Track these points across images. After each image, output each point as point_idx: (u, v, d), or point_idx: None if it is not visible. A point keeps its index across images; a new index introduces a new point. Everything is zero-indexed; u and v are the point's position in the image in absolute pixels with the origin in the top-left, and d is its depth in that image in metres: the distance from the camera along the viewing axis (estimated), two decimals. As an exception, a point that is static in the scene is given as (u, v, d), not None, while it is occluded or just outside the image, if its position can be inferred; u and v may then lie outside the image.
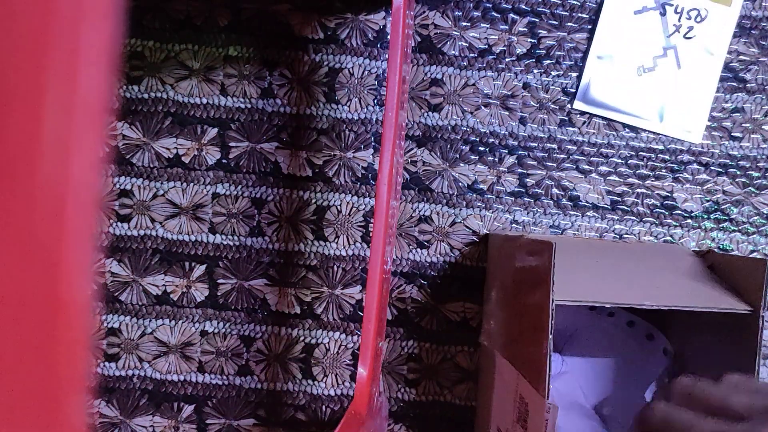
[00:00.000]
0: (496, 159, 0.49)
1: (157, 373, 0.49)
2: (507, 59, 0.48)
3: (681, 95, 0.48)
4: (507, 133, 0.49)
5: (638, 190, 0.49)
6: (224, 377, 0.49)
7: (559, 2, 0.48)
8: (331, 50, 0.48)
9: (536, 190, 0.49)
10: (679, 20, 0.47)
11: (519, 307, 0.38)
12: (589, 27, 0.48)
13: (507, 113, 0.49)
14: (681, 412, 0.26)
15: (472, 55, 0.48)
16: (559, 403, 0.36)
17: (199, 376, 0.49)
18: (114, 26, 0.12)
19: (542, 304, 0.33)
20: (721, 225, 0.48)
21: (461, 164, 0.49)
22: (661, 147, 0.48)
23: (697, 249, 0.47)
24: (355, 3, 0.48)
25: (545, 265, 0.34)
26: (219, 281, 0.49)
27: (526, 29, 0.48)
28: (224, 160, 0.49)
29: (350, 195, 0.49)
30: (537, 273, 0.35)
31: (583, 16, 0.48)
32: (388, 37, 0.48)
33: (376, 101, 0.49)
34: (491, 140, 0.49)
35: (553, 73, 0.48)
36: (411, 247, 0.49)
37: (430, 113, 0.48)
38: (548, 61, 0.48)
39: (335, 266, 0.49)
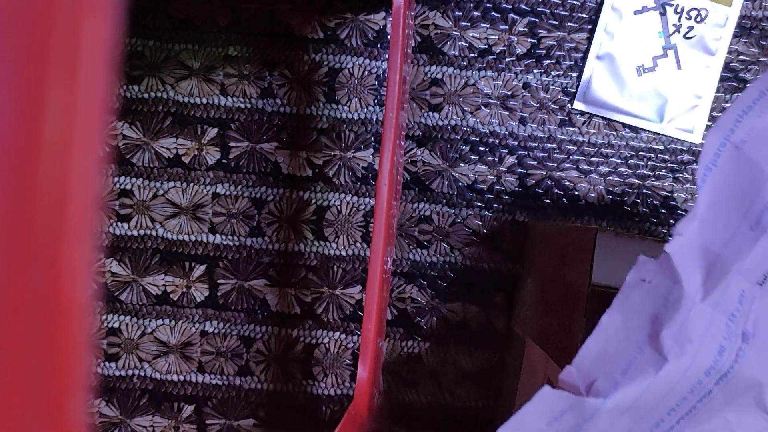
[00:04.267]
0: (496, 159, 0.49)
1: (157, 373, 0.49)
2: (507, 59, 0.48)
3: (681, 95, 0.48)
4: (507, 133, 0.49)
5: (638, 190, 0.49)
6: (224, 377, 0.49)
7: (559, 2, 0.48)
8: (331, 50, 0.48)
9: (536, 190, 0.49)
10: (679, 20, 0.47)
11: (557, 288, 0.40)
12: (589, 27, 0.48)
13: (507, 113, 0.49)
14: None
15: (472, 55, 0.48)
16: None
17: (199, 376, 0.49)
18: (114, 26, 0.12)
19: (582, 277, 0.35)
20: (721, 225, 0.48)
21: (461, 164, 0.49)
22: (661, 147, 0.48)
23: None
24: (355, 3, 0.48)
25: (588, 243, 0.35)
26: (219, 281, 0.49)
27: (526, 29, 0.48)
28: (224, 160, 0.49)
29: (350, 195, 0.49)
30: (580, 250, 0.37)
31: (583, 16, 0.48)
32: (388, 37, 0.48)
33: (376, 101, 0.49)
34: (491, 140, 0.49)
35: (553, 73, 0.48)
36: (411, 247, 0.49)
37: (430, 113, 0.49)
38: (548, 61, 0.48)
39: (335, 266, 0.49)
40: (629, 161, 0.48)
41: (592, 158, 0.48)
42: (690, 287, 0.27)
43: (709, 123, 0.48)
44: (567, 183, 0.48)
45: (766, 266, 0.28)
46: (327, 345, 0.49)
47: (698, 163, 0.29)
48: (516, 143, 0.48)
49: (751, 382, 0.29)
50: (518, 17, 0.48)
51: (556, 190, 0.49)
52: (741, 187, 0.28)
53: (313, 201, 0.49)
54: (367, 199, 0.49)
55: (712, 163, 0.28)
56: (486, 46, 0.48)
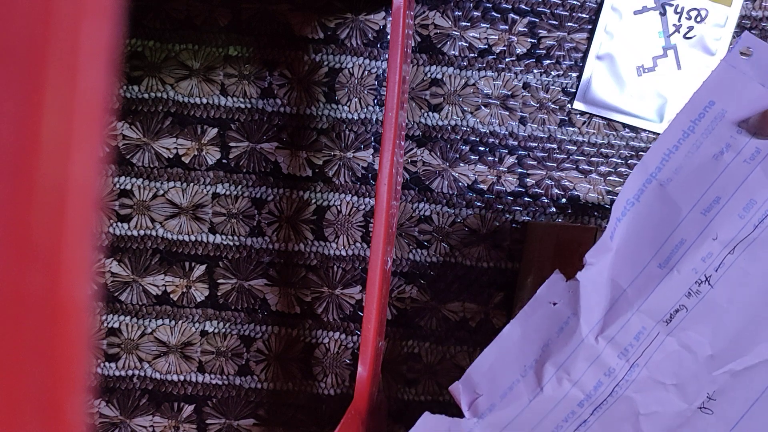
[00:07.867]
0: (496, 159, 0.49)
1: (157, 373, 0.49)
2: (507, 59, 0.48)
3: (681, 95, 0.48)
4: (507, 133, 0.49)
5: (638, 190, 0.49)
6: (224, 377, 0.49)
7: (559, 2, 0.48)
8: (331, 50, 0.49)
9: (536, 190, 0.49)
10: (679, 20, 0.47)
11: None
12: (589, 27, 0.48)
13: (507, 113, 0.49)
14: None
15: (472, 55, 0.48)
16: None
17: (199, 376, 0.49)
18: (114, 26, 0.12)
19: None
20: (721, 225, 0.48)
21: (461, 164, 0.49)
22: (661, 147, 0.48)
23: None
24: (355, 3, 0.48)
25: (588, 243, 0.37)
26: (219, 281, 0.49)
27: (526, 29, 0.48)
28: (224, 160, 0.49)
29: (350, 195, 0.49)
30: (579, 249, 0.37)
31: (583, 16, 0.48)
32: (388, 37, 0.48)
33: (376, 101, 0.49)
34: (491, 140, 0.49)
35: (553, 73, 0.48)
36: (411, 247, 0.49)
37: (430, 113, 0.49)
38: (548, 61, 0.48)
39: (335, 266, 0.49)
40: (629, 161, 0.48)
41: (592, 158, 0.48)
42: (586, 323, 0.30)
43: (709, 123, 0.48)
44: (567, 183, 0.49)
45: (670, 305, 0.30)
46: (327, 345, 0.49)
47: (618, 196, 0.30)
48: (516, 143, 0.48)
49: (629, 413, 0.31)
50: (518, 17, 0.48)
51: (556, 190, 0.49)
52: (658, 224, 0.30)
53: (313, 201, 0.49)
54: (367, 199, 0.49)
55: (635, 198, 0.30)
56: (486, 46, 0.48)
